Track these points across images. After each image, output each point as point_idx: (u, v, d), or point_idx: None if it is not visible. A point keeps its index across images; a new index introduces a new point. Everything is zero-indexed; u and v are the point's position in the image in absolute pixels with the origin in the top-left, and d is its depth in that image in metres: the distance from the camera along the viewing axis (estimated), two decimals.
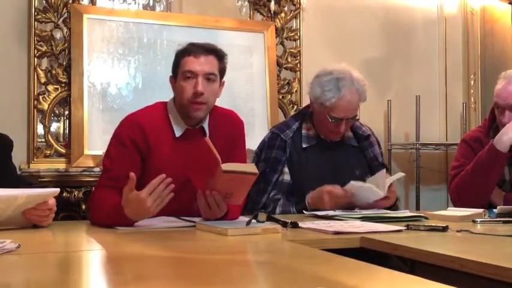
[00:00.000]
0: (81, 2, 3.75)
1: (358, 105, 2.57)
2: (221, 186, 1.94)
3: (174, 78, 2.25)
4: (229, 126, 2.33)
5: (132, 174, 1.91)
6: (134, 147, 2.16)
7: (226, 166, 1.89)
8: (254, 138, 3.61)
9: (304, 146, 2.62)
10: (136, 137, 2.16)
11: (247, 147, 2.45)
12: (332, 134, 2.61)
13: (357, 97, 2.53)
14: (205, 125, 2.25)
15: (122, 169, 2.11)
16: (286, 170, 2.59)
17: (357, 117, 2.60)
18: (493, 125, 2.66)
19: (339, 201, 2.41)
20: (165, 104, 2.28)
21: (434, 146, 4.59)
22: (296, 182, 2.58)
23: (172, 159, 2.18)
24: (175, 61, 2.25)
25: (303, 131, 2.65)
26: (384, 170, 2.54)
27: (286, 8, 4.21)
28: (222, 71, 2.25)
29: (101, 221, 2.03)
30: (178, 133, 2.22)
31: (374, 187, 2.39)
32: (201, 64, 2.18)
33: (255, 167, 1.98)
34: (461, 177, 2.60)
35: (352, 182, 2.42)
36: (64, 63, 3.68)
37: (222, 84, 2.27)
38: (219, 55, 2.24)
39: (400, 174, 2.56)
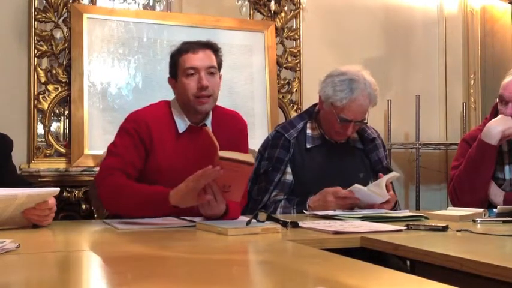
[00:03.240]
0: (81, 2, 3.75)
1: (367, 109, 2.56)
2: (219, 175, 1.94)
3: (173, 79, 2.26)
4: (233, 126, 2.34)
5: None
6: (139, 140, 2.19)
7: (223, 153, 1.91)
8: (254, 138, 3.62)
9: (308, 146, 2.61)
10: (141, 131, 2.19)
11: (249, 147, 2.45)
12: (338, 135, 2.60)
13: (368, 101, 2.52)
14: (208, 123, 2.26)
15: (128, 155, 2.16)
16: (288, 170, 2.58)
17: (365, 121, 2.59)
18: None
19: (343, 202, 2.40)
20: (168, 102, 2.31)
21: (434, 146, 4.60)
22: (299, 182, 2.57)
23: (175, 155, 2.19)
24: (172, 62, 2.27)
25: (308, 131, 2.64)
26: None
27: (286, 8, 4.22)
28: (219, 64, 2.29)
29: (122, 203, 2.07)
30: (181, 129, 2.24)
31: (372, 192, 2.38)
32: (201, 59, 2.21)
33: (251, 157, 1.99)
34: (456, 177, 2.61)
35: (353, 186, 2.40)
36: (64, 63, 3.69)
37: (220, 77, 2.30)
38: (215, 49, 2.28)
39: (396, 174, 2.53)
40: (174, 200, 1.96)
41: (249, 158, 1.97)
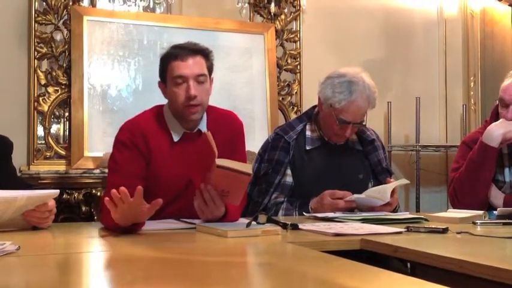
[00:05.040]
0: (82, 4, 3.75)
1: (366, 111, 2.56)
2: (216, 181, 1.94)
3: (163, 83, 2.23)
4: (229, 127, 2.31)
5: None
6: (137, 150, 2.15)
7: (220, 161, 1.90)
8: (254, 140, 3.62)
9: (307, 148, 2.61)
10: (137, 141, 2.15)
11: (247, 149, 2.45)
12: (337, 137, 2.60)
13: (367, 103, 2.52)
14: (203, 128, 2.23)
15: (129, 167, 2.12)
16: (288, 172, 2.58)
17: (364, 123, 2.59)
18: None
19: (339, 205, 2.40)
20: (161, 108, 2.26)
21: (434, 148, 4.60)
22: (298, 184, 2.57)
23: (172, 163, 2.17)
24: (162, 66, 2.22)
25: (307, 133, 2.64)
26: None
27: (286, 10, 4.22)
28: (210, 69, 2.23)
29: (110, 227, 2.00)
30: (176, 138, 2.21)
31: (371, 197, 2.38)
32: (190, 67, 2.15)
33: (250, 167, 1.97)
34: (457, 179, 2.61)
35: (350, 196, 2.40)
36: (64, 65, 3.69)
37: (211, 81, 2.25)
38: (205, 54, 2.22)
39: (405, 181, 2.54)
40: (114, 218, 1.87)
41: (247, 168, 1.95)
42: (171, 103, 2.21)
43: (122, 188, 1.77)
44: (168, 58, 2.20)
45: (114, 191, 1.77)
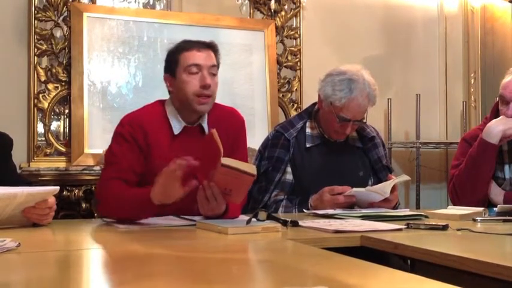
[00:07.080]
0: (81, 1, 3.76)
1: (366, 109, 2.56)
2: (219, 179, 1.94)
3: (171, 76, 2.23)
4: (230, 123, 2.32)
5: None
6: (135, 144, 2.16)
7: (225, 160, 1.90)
8: (254, 137, 3.62)
9: (307, 145, 2.61)
10: (137, 135, 2.16)
11: (248, 145, 2.45)
12: (337, 135, 2.60)
13: (367, 101, 2.52)
14: (204, 123, 2.24)
15: (126, 161, 2.12)
16: (288, 169, 2.57)
17: (364, 120, 2.59)
18: None
19: (339, 201, 2.40)
20: (163, 102, 2.28)
21: (434, 145, 4.60)
22: (299, 182, 2.57)
23: (171, 157, 2.17)
24: (171, 59, 2.23)
25: (307, 130, 2.64)
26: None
27: (286, 7, 4.22)
28: (218, 66, 2.27)
29: (118, 212, 2.01)
30: (176, 131, 2.22)
31: (373, 192, 2.38)
32: (205, 58, 2.19)
33: (254, 168, 1.97)
34: (457, 176, 2.61)
35: (349, 190, 2.41)
36: (64, 62, 3.69)
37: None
38: (215, 50, 2.26)
39: (405, 177, 2.54)
40: (156, 199, 1.94)
41: (251, 168, 1.95)
42: (180, 93, 2.20)
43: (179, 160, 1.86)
44: (180, 50, 2.22)
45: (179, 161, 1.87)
